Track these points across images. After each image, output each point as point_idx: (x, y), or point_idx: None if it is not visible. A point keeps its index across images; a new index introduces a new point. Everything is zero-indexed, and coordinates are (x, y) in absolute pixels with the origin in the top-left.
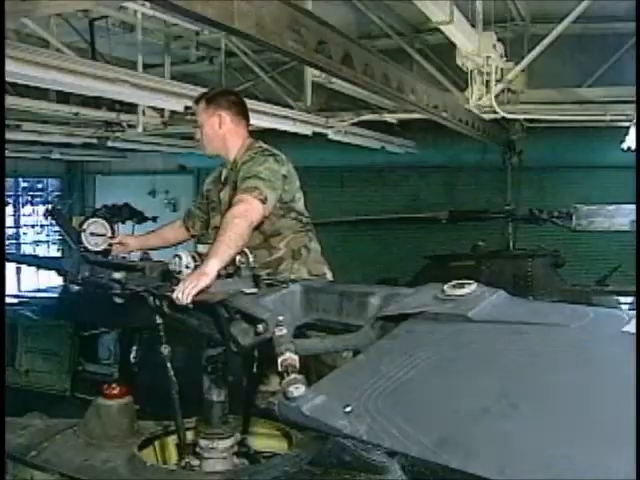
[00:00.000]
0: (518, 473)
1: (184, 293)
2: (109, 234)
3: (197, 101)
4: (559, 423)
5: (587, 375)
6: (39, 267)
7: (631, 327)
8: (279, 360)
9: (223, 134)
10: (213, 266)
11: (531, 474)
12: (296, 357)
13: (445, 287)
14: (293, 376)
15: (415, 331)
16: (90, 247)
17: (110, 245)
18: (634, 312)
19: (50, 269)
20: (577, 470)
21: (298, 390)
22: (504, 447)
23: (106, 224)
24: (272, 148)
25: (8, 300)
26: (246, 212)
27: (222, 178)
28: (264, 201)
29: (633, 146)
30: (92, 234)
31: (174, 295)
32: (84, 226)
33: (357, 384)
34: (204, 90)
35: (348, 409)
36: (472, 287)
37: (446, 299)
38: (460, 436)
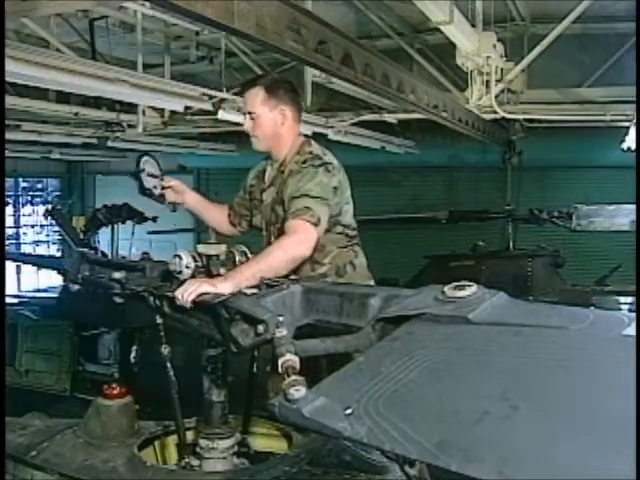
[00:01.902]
0: (518, 475)
1: (183, 296)
2: (160, 175)
3: (249, 87)
4: (559, 426)
5: (587, 378)
6: (39, 266)
7: (631, 330)
8: (279, 361)
9: (282, 132)
10: (226, 287)
11: (531, 477)
12: (296, 358)
13: (445, 289)
14: (293, 377)
15: (415, 333)
16: (153, 190)
17: (163, 188)
18: (634, 315)
19: (50, 268)
20: (577, 472)
21: (298, 392)
22: (504, 450)
23: (156, 164)
24: (323, 153)
25: (8, 300)
26: (300, 244)
27: (266, 177)
28: (317, 223)
29: (633, 146)
30: (150, 175)
31: (176, 293)
32: (141, 165)
33: (357, 386)
34: (201, 87)
35: (348, 411)
36: (472, 289)
37: (446, 301)
38: (460, 438)
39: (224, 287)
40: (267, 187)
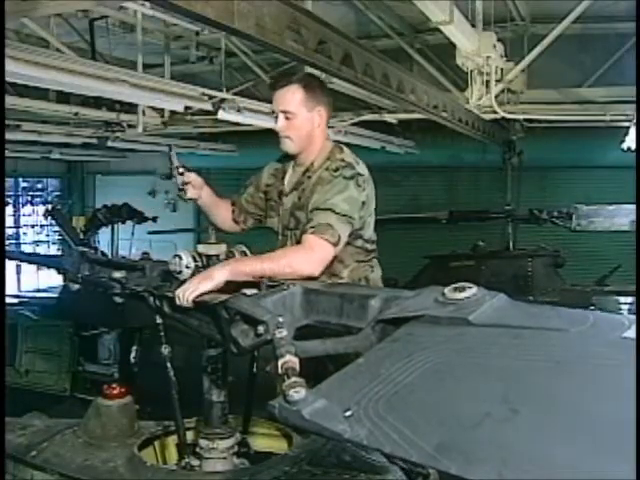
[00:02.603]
0: (518, 478)
1: (184, 295)
2: (182, 169)
3: (284, 84)
4: (560, 429)
5: (587, 380)
6: (39, 265)
7: (631, 332)
8: (279, 363)
9: (315, 134)
10: (222, 275)
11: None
12: (296, 360)
13: (446, 290)
14: (293, 379)
15: (415, 334)
16: (184, 186)
17: (185, 184)
18: (634, 317)
19: (50, 267)
20: (578, 476)
21: (298, 394)
22: (505, 453)
23: (174, 153)
24: (355, 161)
25: (8, 300)
26: (311, 263)
27: (286, 180)
28: (337, 244)
29: (633, 146)
30: (179, 173)
31: (176, 293)
32: (174, 161)
33: (357, 388)
34: (201, 87)
35: (348, 413)
36: (472, 290)
37: (446, 302)
38: (460, 441)
39: (220, 275)
40: (289, 192)
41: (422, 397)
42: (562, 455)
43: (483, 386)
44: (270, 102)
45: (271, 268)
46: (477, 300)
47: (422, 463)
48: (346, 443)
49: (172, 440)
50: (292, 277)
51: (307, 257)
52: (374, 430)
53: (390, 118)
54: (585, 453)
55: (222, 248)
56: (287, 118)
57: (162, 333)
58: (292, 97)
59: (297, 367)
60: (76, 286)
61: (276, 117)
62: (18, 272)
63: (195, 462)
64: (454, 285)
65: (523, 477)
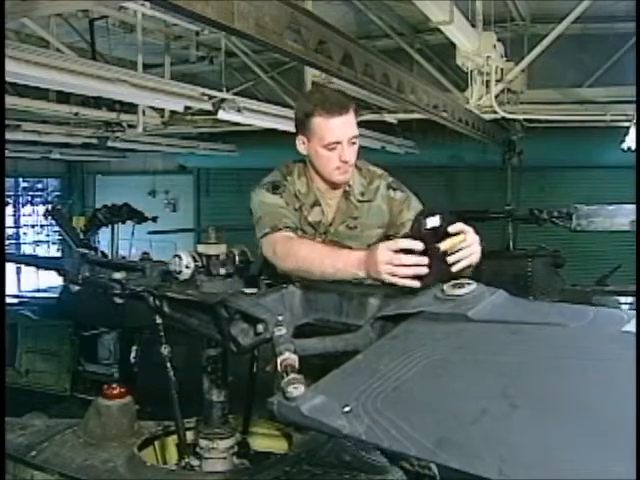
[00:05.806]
0: (517, 473)
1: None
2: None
3: (348, 108)
4: (559, 424)
5: (587, 375)
6: (39, 267)
7: (631, 327)
8: (278, 360)
9: None
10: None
11: (530, 474)
12: (295, 357)
13: (445, 287)
14: (292, 376)
15: (414, 331)
16: None
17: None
18: (634, 312)
19: (50, 269)
20: (577, 470)
21: (297, 390)
22: (504, 447)
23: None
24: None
25: (8, 300)
26: None
27: (328, 210)
28: None
29: (633, 146)
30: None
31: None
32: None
33: (356, 384)
34: (201, 87)
35: (347, 409)
36: (472, 287)
37: (446, 299)
38: (459, 436)
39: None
40: (337, 222)
41: (421, 393)
42: (561, 449)
43: (482, 381)
44: (269, 102)
45: None
46: (476, 296)
47: (421, 457)
48: (345, 441)
49: (172, 440)
50: None
51: None
52: (373, 426)
53: (390, 118)
54: (585, 447)
55: (222, 248)
56: (353, 143)
57: (162, 333)
58: (353, 121)
59: (296, 364)
60: (76, 287)
61: (332, 148)
62: (18, 272)
63: (195, 462)
64: (453, 282)
65: (523, 471)
